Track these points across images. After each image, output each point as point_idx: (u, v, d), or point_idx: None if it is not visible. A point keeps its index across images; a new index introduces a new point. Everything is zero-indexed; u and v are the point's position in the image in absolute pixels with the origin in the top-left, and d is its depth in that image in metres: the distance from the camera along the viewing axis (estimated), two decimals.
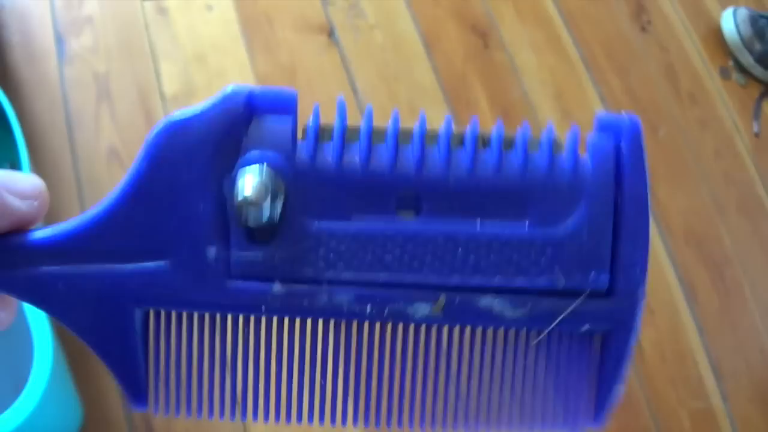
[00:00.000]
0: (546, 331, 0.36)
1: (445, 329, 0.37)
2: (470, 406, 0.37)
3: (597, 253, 0.36)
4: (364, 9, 1.47)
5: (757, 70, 1.64)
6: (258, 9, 1.43)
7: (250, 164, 0.34)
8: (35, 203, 0.35)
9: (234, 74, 1.34)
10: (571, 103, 1.49)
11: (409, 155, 0.36)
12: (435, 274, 0.35)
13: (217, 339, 0.36)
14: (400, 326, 0.37)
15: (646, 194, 0.36)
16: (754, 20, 1.65)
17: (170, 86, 1.31)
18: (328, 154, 0.36)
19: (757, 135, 1.58)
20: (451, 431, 0.37)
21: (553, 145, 0.37)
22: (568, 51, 1.55)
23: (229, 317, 0.36)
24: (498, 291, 0.36)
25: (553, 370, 0.37)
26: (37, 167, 1.17)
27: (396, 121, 0.36)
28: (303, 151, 0.35)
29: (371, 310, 0.35)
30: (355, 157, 0.36)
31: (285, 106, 0.36)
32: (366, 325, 0.37)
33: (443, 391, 0.37)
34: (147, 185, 0.35)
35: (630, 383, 1.29)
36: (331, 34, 1.43)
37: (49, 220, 0.36)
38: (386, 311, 0.35)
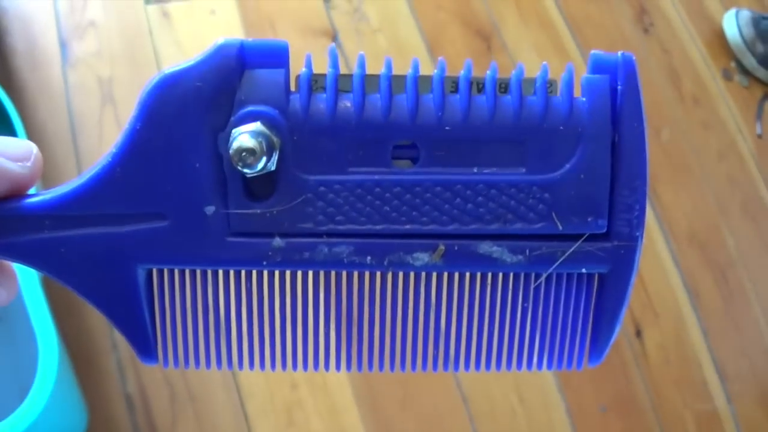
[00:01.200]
0: (545, 275, 0.37)
1: (446, 276, 0.37)
2: (472, 348, 0.38)
3: (595, 196, 0.36)
4: (367, 13, 1.47)
5: (760, 71, 1.64)
6: (261, 13, 1.43)
7: (244, 121, 0.34)
8: (28, 164, 0.36)
9: None
10: None
11: (403, 103, 0.35)
12: (433, 223, 0.35)
13: (220, 293, 0.37)
14: (401, 275, 0.37)
15: (644, 134, 0.36)
16: (757, 22, 1.65)
17: None
18: (322, 105, 0.35)
19: (760, 136, 1.58)
20: (451, 371, 0.38)
21: (547, 87, 0.36)
22: (571, 54, 1.55)
23: (231, 272, 0.37)
24: (497, 237, 0.36)
25: (553, 312, 0.38)
26: (42, 172, 1.17)
27: (389, 68, 0.36)
28: (296, 103, 0.35)
29: (371, 260, 0.35)
30: (348, 107, 0.35)
31: (277, 58, 0.35)
32: (367, 275, 0.37)
33: (445, 335, 0.38)
34: (143, 143, 0.35)
35: (634, 386, 1.29)
36: (334, 38, 1.43)
37: None
38: (386, 261, 0.36)
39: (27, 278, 0.90)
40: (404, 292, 0.37)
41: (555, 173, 0.35)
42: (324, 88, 0.35)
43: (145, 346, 0.37)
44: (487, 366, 0.39)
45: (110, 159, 0.35)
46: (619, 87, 0.37)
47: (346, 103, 0.35)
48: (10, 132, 1.06)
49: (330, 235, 0.35)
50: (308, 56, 0.36)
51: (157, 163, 0.35)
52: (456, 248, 0.36)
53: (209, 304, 0.37)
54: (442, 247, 0.35)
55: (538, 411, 1.23)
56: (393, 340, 0.37)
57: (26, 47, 1.31)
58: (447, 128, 0.35)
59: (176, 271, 0.37)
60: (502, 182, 0.35)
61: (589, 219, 0.36)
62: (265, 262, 0.35)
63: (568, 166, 0.35)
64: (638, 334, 1.33)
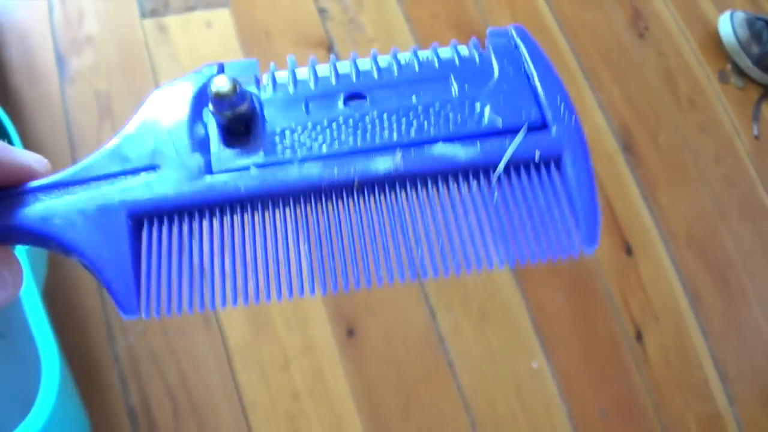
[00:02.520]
0: (503, 162, 0.40)
1: (412, 184, 0.40)
2: (456, 246, 0.40)
3: (521, 95, 0.41)
4: (362, 23, 1.48)
5: (756, 72, 1.64)
6: (257, 25, 1.43)
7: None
8: (43, 166, 0.39)
9: None
10: None
11: (348, 70, 0.42)
12: (389, 137, 0.40)
13: (204, 236, 0.39)
14: (371, 188, 0.40)
15: (541, 50, 0.43)
16: (751, 23, 1.66)
17: None
18: (284, 83, 0.42)
19: (757, 138, 1.58)
20: (438, 275, 0.39)
21: (457, 46, 0.44)
22: (567, 59, 1.56)
23: (217, 213, 0.39)
24: (448, 140, 0.40)
25: (527, 204, 0.40)
26: None
27: (334, 57, 0.44)
28: (265, 83, 0.42)
29: (339, 172, 0.39)
30: (305, 80, 0.42)
31: (249, 69, 0.42)
32: (338, 193, 0.40)
33: (420, 240, 0.40)
34: (139, 126, 0.40)
35: (636, 389, 1.29)
36: (330, 48, 1.44)
37: None
38: (352, 170, 0.39)
39: (28, 293, 0.91)
40: (375, 204, 0.40)
41: (482, 88, 0.42)
42: (285, 76, 0.43)
43: (128, 299, 0.38)
44: (478, 264, 0.39)
45: (106, 143, 0.40)
46: (515, 37, 0.44)
47: (303, 77, 0.42)
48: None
49: (299, 161, 0.39)
50: (272, 63, 0.43)
51: (151, 134, 0.40)
52: (413, 153, 0.39)
53: (193, 248, 0.39)
54: (399, 152, 0.39)
55: (539, 416, 1.23)
56: (372, 253, 0.39)
57: (23, 62, 1.32)
58: (386, 79, 0.42)
59: (161, 219, 0.39)
60: (441, 100, 0.41)
61: (523, 111, 0.41)
62: (243, 190, 0.39)
63: (491, 82, 0.42)
64: (639, 337, 1.33)
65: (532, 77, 0.42)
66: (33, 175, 0.38)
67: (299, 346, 1.18)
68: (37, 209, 0.38)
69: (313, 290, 0.39)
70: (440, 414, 1.20)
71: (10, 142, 1.06)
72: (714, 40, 1.69)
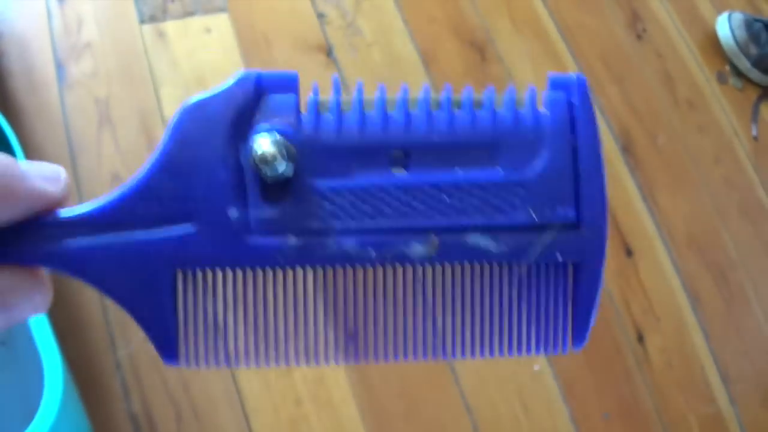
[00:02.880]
0: (526, 261, 0.41)
1: (440, 269, 0.41)
2: (466, 335, 0.42)
3: (562, 190, 0.41)
4: (361, 27, 1.48)
5: (754, 73, 1.64)
6: (256, 30, 1.43)
7: (262, 131, 0.39)
8: (61, 185, 0.38)
9: None
10: None
11: (397, 119, 0.41)
12: (426, 219, 0.40)
13: (239, 294, 0.40)
14: (402, 270, 0.41)
15: (598, 137, 0.41)
16: (749, 24, 1.66)
17: (171, 110, 1.31)
18: (329, 122, 0.40)
19: (755, 138, 1.58)
20: (449, 358, 0.41)
21: (515, 101, 0.41)
22: (565, 62, 1.56)
23: (250, 273, 0.40)
24: (482, 229, 0.41)
25: (537, 299, 0.42)
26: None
27: (383, 91, 0.41)
28: (307, 121, 0.40)
29: (375, 253, 0.40)
30: (351, 123, 0.40)
31: (288, 84, 0.40)
32: (372, 271, 0.41)
33: (441, 324, 0.42)
34: (172, 159, 0.39)
35: (638, 390, 1.29)
36: (329, 53, 1.43)
37: None
38: (388, 254, 0.40)
39: None
40: (404, 285, 0.41)
41: (526, 172, 0.41)
42: (329, 110, 0.40)
43: (169, 348, 0.40)
44: (481, 352, 0.42)
45: (142, 175, 0.39)
46: (574, 101, 0.42)
47: (349, 120, 0.40)
48: (8, 153, 1.06)
49: (338, 232, 0.39)
50: (315, 84, 0.40)
51: (184, 174, 0.39)
52: (448, 240, 0.40)
53: (229, 304, 0.40)
54: (435, 240, 0.40)
55: (541, 419, 1.23)
56: (395, 331, 0.41)
57: (23, 69, 1.32)
58: (433, 139, 0.41)
59: (200, 274, 0.40)
60: (483, 180, 0.40)
61: (560, 210, 0.41)
62: (281, 259, 0.39)
63: (537, 166, 0.41)
64: (640, 339, 1.33)
65: (580, 162, 0.41)
66: (50, 200, 0.38)
67: None
68: (71, 246, 0.38)
69: (336, 360, 0.41)
70: (442, 417, 1.20)
71: (10, 149, 1.05)
72: (712, 41, 1.69)
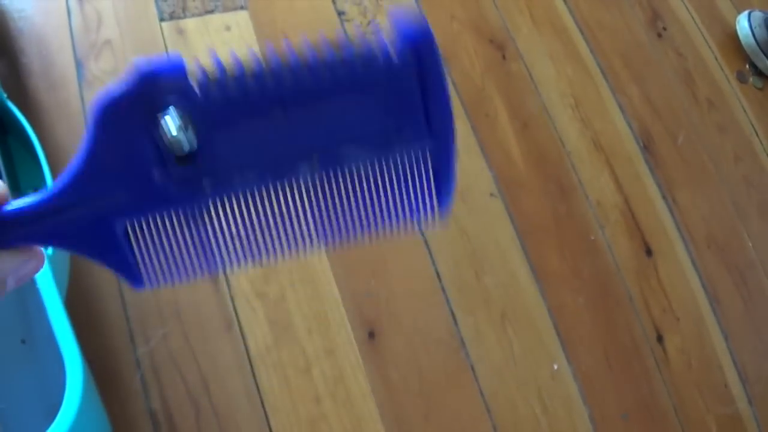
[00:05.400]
0: (390, 156, 0.50)
1: (324, 177, 0.50)
2: (351, 220, 0.51)
3: (412, 102, 0.49)
4: (381, 25, 1.47)
5: None
6: (276, 28, 1.43)
7: (165, 111, 0.45)
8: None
9: None
10: (589, 113, 1.49)
11: (276, 77, 0.47)
12: (308, 142, 0.48)
13: (178, 226, 0.49)
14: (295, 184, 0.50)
15: (438, 64, 0.48)
16: None
17: None
18: (221, 85, 0.47)
19: None
20: (341, 240, 0.52)
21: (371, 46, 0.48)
22: (586, 61, 1.56)
23: (185, 210, 0.49)
24: (351, 141, 0.49)
25: (405, 180, 0.51)
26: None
27: (255, 55, 0.48)
28: (200, 88, 0.46)
29: (271, 177, 0.48)
30: (239, 82, 0.47)
31: (176, 64, 0.47)
32: (272, 189, 0.49)
33: (331, 215, 0.51)
34: (100, 144, 0.46)
35: (657, 391, 1.29)
36: None
37: None
38: (281, 175, 0.48)
39: (51, 300, 0.91)
40: (300, 194, 0.50)
41: (386, 98, 0.48)
42: (217, 76, 0.47)
43: (134, 277, 0.49)
44: (364, 230, 0.51)
45: (79, 158, 0.46)
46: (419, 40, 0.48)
47: (239, 79, 0.47)
48: (29, 152, 1.07)
49: (240, 167, 0.48)
50: (212, 53, 0.47)
51: (114, 151, 0.46)
52: (327, 155, 0.49)
53: (169, 236, 0.49)
54: (317, 155, 0.48)
55: (561, 419, 1.23)
56: (296, 230, 0.50)
57: (42, 67, 1.32)
58: (306, 85, 0.47)
59: (143, 220, 0.48)
60: (350, 109, 0.48)
61: (410, 115, 0.49)
62: (201, 196, 0.48)
63: (394, 90, 0.48)
64: (659, 338, 1.33)
65: (426, 84, 0.48)
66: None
67: (320, 350, 1.18)
68: (35, 230, 0.47)
69: (252, 259, 0.51)
70: (462, 417, 1.20)
71: (31, 147, 1.06)
72: (732, 40, 1.68)
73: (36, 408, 0.99)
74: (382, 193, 0.51)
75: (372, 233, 0.52)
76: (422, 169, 0.51)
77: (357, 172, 0.50)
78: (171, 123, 0.45)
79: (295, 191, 0.50)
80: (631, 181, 1.46)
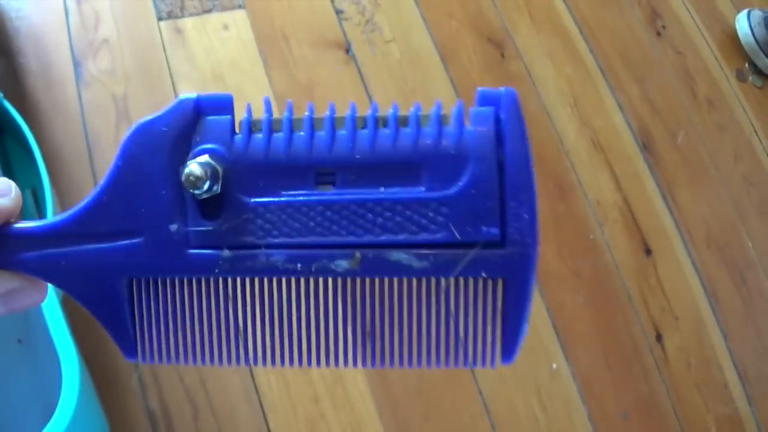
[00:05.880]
0: (449, 277, 0.43)
1: (366, 281, 0.44)
2: (389, 346, 0.44)
3: (486, 208, 0.42)
4: (379, 24, 1.47)
5: None
6: (275, 27, 1.43)
7: (197, 155, 0.43)
8: (12, 196, 0.44)
9: (252, 92, 1.35)
10: (589, 112, 1.49)
11: (323, 138, 0.43)
12: (350, 235, 0.43)
13: (185, 298, 0.45)
14: (327, 280, 0.44)
15: (528, 154, 0.42)
16: None
17: None
18: (259, 142, 0.43)
19: None
20: (374, 366, 0.44)
21: (440, 119, 0.43)
22: (585, 59, 1.56)
23: (194, 281, 0.45)
24: (405, 246, 0.43)
25: (464, 313, 0.44)
26: (59, 192, 1.17)
27: (311, 110, 0.44)
28: (239, 141, 0.43)
29: (301, 267, 0.43)
30: (279, 143, 0.43)
31: (225, 106, 0.44)
32: (300, 280, 0.44)
33: (364, 333, 0.45)
34: (121, 178, 0.43)
35: (656, 390, 1.28)
36: (347, 49, 1.43)
37: None
38: (313, 267, 0.43)
39: (47, 299, 0.91)
40: (333, 295, 0.44)
41: (450, 190, 0.42)
42: (260, 130, 0.44)
43: (128, 344, 0.45)
44: (402, 362, 0.44)
45: (98, 189, 0.43)
46: (502, 116, 0.42)
47: (278, 140, 0.43)
48: (26, 151, 1.07)
49: (267, 246, 0.43)
50: (248, 105, 0.44)
51: (134, 190, 0.43)
52: (370, 256, 0.43)
53: (177, 308, 0.44)
54: (358, 255, 0.43)
55: (560, 418, 1.23)
56: (319, 337, 0.45)
57: (40, 67, 1.32)
58: (358, 157, 0.43)
59: (150, 280, 0.44)
60: (406, 199, 0.42)
61: (483, 228, 0.42)
62: (216, 270, 0.43)
63: (460, 183, 0.42)
64: (659, 338, 1.32)
65: (507, 178, 0.42)
66: (7, 215, 0.43)
67: None
68: (34, 255, 0.44)
69: (265, 363, 0.45)
70: (460, 417, 1.20)
71: (28, 147, 1.05)
72: (732, 39, 1.68)
73: (33, 408, 0.98)
74: (428, 319, 0.44)
75: (409, 363, 0.45)
76: (488, 296, 0.43)
77: (406, 286, 0.44)
78: (195, 163, 0.42)
79: (328, 291, 0.44)
80: (631, 180, 1.45)
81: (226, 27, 1.41)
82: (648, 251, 1.40)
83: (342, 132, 0.43)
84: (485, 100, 0.43)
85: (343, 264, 0.43)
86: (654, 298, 1.36)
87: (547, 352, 1.27)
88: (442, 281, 0.43)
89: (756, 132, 1.57)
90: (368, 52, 1.44)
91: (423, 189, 0.42)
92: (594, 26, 1.59)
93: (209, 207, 0.43)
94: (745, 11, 1.68)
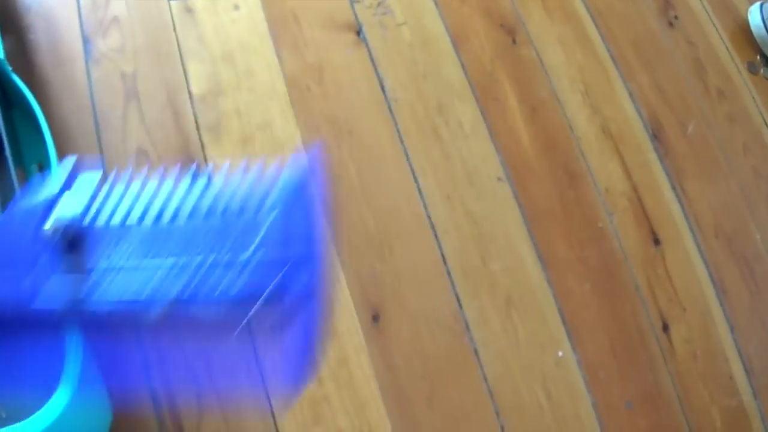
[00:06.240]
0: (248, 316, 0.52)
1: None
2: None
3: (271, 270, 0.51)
4: (391, 7, 1.47)
5: None
6: (286, 8, 1.43)
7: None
8: None
9: (262, 73, 1.34)
10: (599, 99, 1.49)
11: (157, 209, 0.54)
12: (161, 293, 0.51)
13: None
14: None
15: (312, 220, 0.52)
16: None
17: (198, 86, 1.31)
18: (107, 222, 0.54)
19: None
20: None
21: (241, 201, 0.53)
22: (596, 47, 1.55)
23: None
24: (205, 302, 0.52)
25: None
26: None
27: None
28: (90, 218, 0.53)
29: (125, 315, 0.51)
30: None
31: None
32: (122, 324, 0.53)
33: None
34: None
35: (661, 380, 1.28)
36: (359, 32, 1.43)
37: None
38: (133, 315, 0.51)
39: None
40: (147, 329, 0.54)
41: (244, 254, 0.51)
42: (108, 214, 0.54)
43: None
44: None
45: None
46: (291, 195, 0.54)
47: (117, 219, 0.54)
48: (34, 127, 1.06)
49: (93, 302, 0.51)
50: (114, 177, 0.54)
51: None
52: (175, 309, 0.51)
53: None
54: (165, 309, 0.51)
55: (564, 406, 1.23)
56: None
57: (49, 44, 1.31)
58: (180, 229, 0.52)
59: None
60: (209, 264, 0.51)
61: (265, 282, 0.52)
62: (59, 318, 0.51)
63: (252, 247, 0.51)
64: (665, 328, 1.32)
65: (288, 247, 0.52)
66: None
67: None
68: None
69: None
70: (465, 402, 1.19)
71: (36, 123, 1.05)
72: (744, 30, 1.67)
73: (36, 382, 0.98)
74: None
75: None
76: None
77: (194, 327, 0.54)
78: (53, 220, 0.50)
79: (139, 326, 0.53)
80: (640, 169, 1.45)
81: (236, 7, 1.41)
82: (656, 241, 1.39)
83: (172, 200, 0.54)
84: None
85: (155, 312, 0.51)
86: (661, 288, 1.35)
87: (553, 340, 1.26)
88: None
89: (766, 124, 1.57)
90: (379, 34, 1.43)
91: (225, 255, 0.52)
92: (606, 14, 1.59)
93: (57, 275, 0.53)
94: (758, 3, 1.68)
